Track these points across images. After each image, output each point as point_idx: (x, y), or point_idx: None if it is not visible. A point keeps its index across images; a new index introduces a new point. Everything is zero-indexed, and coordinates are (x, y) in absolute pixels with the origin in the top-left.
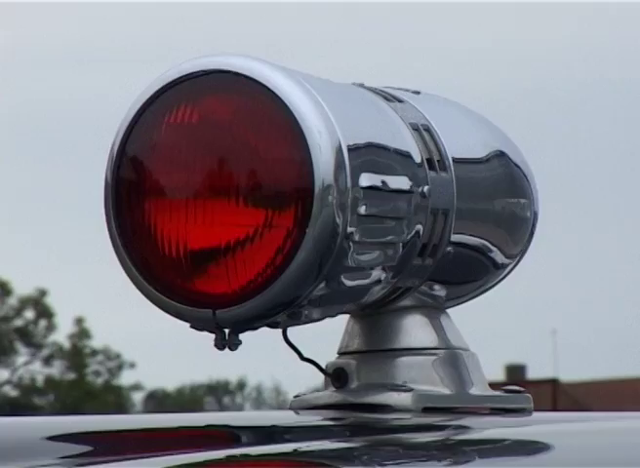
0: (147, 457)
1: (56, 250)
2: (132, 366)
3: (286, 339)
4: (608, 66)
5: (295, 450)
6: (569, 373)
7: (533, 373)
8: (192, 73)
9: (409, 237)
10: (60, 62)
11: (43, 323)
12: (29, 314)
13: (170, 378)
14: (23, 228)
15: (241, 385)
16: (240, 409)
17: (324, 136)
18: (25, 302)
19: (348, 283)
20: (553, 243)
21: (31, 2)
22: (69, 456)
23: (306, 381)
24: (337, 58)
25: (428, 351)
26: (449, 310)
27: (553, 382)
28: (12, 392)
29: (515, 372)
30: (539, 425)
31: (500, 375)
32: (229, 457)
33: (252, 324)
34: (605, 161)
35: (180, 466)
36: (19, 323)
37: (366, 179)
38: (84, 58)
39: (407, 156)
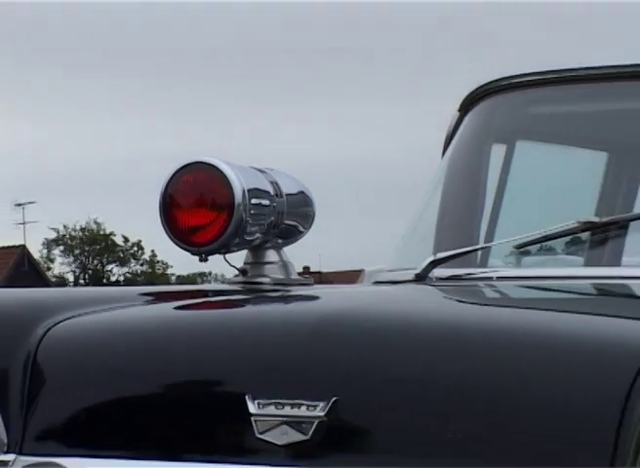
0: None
1: None
2: None
3: (225, 259)
4: None
5: None
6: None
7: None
8: (194, 161)
9: (268, 222)
10: None
11: None
12: None
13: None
14: None
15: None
16: None
17: (237, 184)
18: None
19: (247, 238)
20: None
21: None
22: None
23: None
24: None
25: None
26: (286, 248)
27: (319, 273)
28: None
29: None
30: (305, 289)
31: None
32: None
33: (212, 254)
34: None
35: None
36: None
37: (253, 200)
38: None
39: (268, 192)
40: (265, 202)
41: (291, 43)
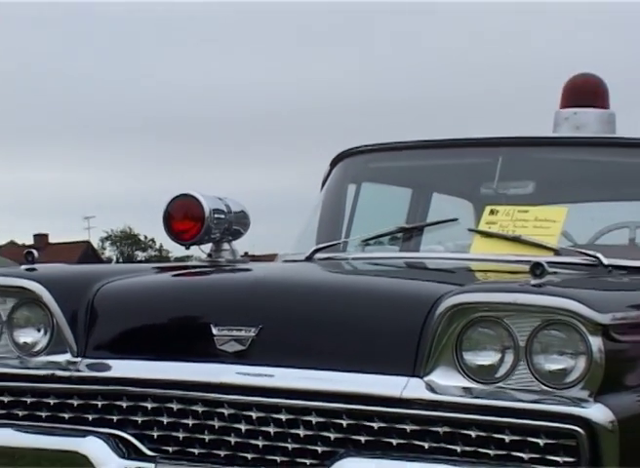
0: None
1: None
2: None
3: (200, 248)
4: None
5: None
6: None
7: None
8: (182, 193)
9: (224, 227)
10: None
11: None
12: None
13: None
14: None
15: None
16: None
17: (206, 206)
18: None
19: (212, 236)
20: None
21: None
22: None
23: None
24: None
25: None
26: (234, 242)
27: (253, 256)
28: None
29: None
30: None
31: None
32: None
33: (193, 245)
34: None
35: None
36: None
37: (215, 215)
38: None
39: (223, 210)
40: (222, 216)
41: None
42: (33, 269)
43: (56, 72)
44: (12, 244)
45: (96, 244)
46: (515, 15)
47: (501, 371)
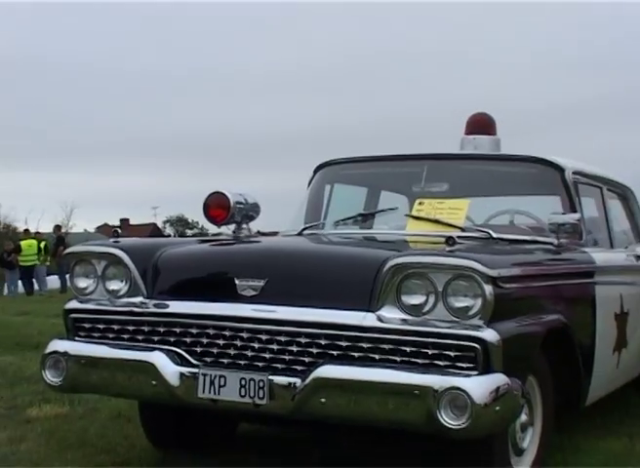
0: None
1: None
2: None
3: (227, 228)
4: None
5: None
6: None
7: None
8: (215, 191)
9: (243, 214)
10: None
11: None
12: None
13: None
14: None
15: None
16: None
17: (231, 199)
18: None
19: (235, 220)
20: None
21: None
22: None
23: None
24: None
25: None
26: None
27: (264, 232)
28: None
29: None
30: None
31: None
32: None
33: (223, 225)
34: None
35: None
36: None
37: (237, 205)
38: None
39: (242, 202)
40: (241, 206)
41: None
42: (118, 241)
43: (142, 105)
44: (105, 225)
45: (160, 225)
46: (441, 65)
47: (426, 308)
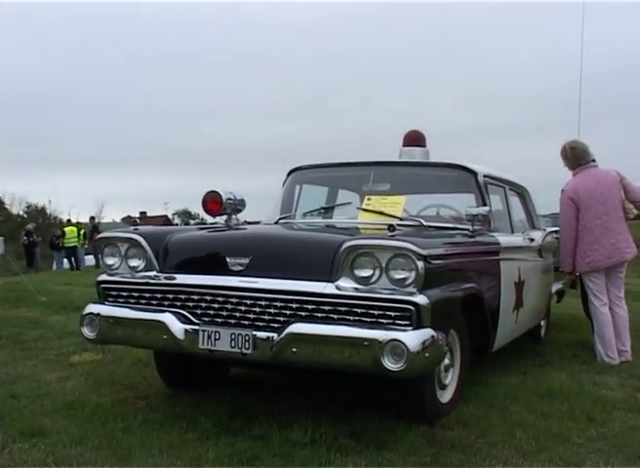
0: None
1: None
2: None
3: (220, 218)
4: None
5: None
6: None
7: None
8: (211, 190)
9: (232, 207)
10: None
11: None
12: None
13: None
14: None
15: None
16: None
17: (224, 196)
18: None
19: (226, 212)
20: None
21: None
22: None
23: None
24: None
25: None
26: (238, 215)
27: (249, 222)
28: None
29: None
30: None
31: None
32: None
33: (217, 216)
34: None
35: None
36: None
37: (228, 201)
38: None
39: (232, 198)
40: (231, 201)
41: None
42: (137, 229)
43: (158, 126)
44: (128, 217)
45: (170, 216)
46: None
47: (373, 279)
